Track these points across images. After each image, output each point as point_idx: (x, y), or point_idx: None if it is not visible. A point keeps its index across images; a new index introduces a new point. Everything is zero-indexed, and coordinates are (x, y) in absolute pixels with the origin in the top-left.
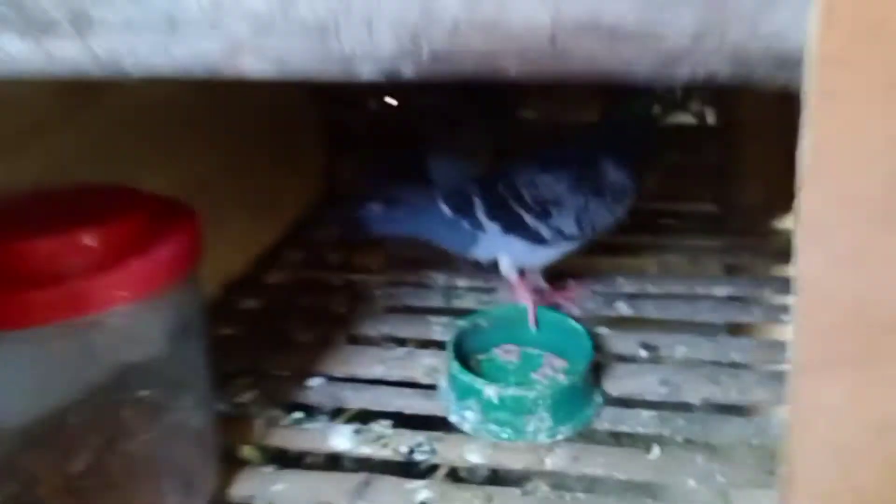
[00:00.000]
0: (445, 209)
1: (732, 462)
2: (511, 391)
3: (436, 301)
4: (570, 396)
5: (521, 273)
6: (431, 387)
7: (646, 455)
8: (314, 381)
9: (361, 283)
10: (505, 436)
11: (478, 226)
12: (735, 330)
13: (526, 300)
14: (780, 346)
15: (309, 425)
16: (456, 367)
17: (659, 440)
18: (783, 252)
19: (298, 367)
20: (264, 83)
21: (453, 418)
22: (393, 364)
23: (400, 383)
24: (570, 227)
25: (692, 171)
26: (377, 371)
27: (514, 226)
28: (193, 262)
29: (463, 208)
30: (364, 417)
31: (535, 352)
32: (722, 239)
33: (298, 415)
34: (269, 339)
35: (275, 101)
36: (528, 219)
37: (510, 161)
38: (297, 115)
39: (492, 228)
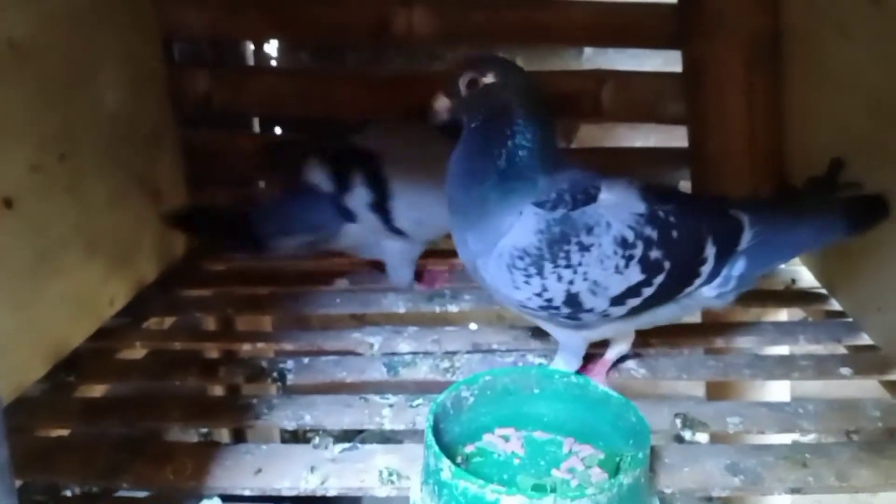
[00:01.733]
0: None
1: None
2: (548, 503)
3: (375, 372)
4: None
5: None
6: (399, 501)
7: None
8: None
9: (258, 355)
10: None
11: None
12: None
13: None
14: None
15: None
16: (448, 467)
17: None
18: None
19: (176, 482)
20: None
21: None
22: (330, 468)
23: (344, 499)
24: None
25: None
26: (307, 481)
27: None
28: None
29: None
30: None
31: (545, 436)
32: None
33: None
34: (127, 441)
35: (133, 124)
36: None
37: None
38: (158, 145)
39: None
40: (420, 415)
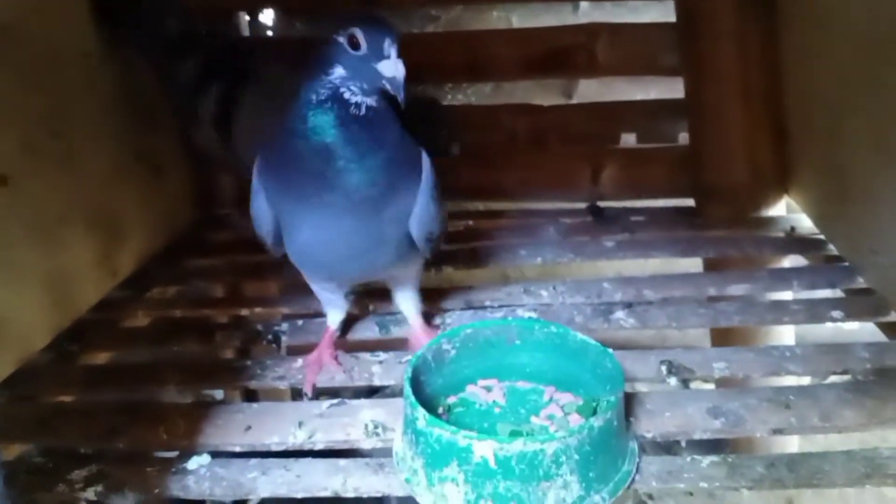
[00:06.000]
0: None
1: None
2: (518, 446)
3: (367, 332)
4: (604, 446)
5: None
6: (382, 452)
7: None
8: (195, 462)
9: (253, 318)
10: None
11: None
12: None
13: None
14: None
15: None
16: (423, 415)
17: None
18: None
19: (170, 442)
20: None
21: (425, 499)
22: (317, 423)
23: (331, 452)
24: None
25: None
26: (294, 436)
27: None
28: None
29: None
30: None
31: (527, 386)
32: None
33: None
34: (126, 405)
35: (129, 101)
36: None
37: None
38: (157, 119)
39: None
40: None
